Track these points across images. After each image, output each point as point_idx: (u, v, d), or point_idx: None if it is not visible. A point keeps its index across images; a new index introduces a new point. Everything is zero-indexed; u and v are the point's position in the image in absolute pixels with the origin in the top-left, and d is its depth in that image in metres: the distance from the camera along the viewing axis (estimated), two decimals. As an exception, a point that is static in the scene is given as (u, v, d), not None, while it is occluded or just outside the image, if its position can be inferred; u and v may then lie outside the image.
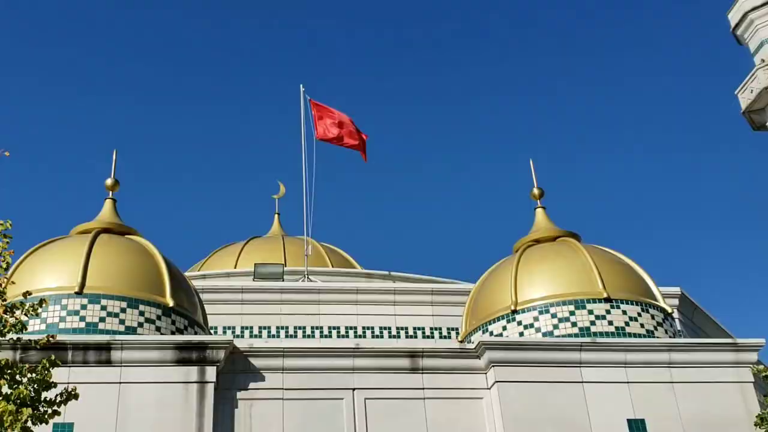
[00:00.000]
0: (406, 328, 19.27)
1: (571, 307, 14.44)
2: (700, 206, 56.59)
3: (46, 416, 7.83)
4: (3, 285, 8.36)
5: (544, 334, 14.07)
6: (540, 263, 15.14)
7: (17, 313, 8.24)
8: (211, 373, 12.38)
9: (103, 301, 13.21)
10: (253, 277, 19.28)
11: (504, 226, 53.01)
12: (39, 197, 55.09)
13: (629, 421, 12.80)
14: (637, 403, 12.99)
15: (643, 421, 12.84)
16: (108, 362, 12.21)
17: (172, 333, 13.49)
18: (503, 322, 14.61)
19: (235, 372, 12.67)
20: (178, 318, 13.85)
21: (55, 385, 8.16)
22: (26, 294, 8.66)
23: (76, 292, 13.07)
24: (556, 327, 14.14)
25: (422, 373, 13.05)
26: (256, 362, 12.81)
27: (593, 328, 14.04)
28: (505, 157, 57.28)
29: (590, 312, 14.27)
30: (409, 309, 19.37)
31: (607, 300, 14.41)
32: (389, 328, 19.18)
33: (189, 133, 59.25)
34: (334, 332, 18.89)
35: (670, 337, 14.64)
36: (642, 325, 14.39)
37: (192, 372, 12.37)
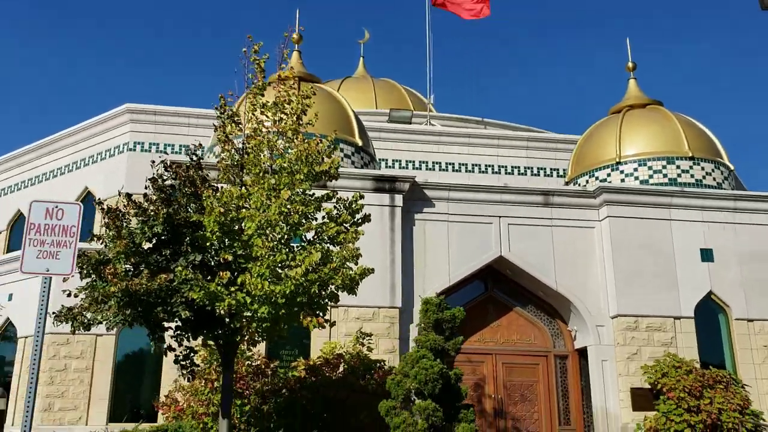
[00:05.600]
0: (505, 167, 23.52)
1: (664, 162, 18.43)
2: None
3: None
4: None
5: (642, 182, 18.26)
6: (639, 125, 18.98)
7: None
8: (399, 199, 16.62)
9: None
10: (388, 119, 23.16)
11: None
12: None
13: (701, 249, 17.26)
14: (707, 237, 17.37)
15: (711, 250, 17.28)
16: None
17: (361, 167, 17.61)
18: (608, 171, 18.74)
19: (414, 200, 16.91)
20: (363, 154, 17.93)
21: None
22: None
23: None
24: (651, 177, 18.30)
25: (551, 207, 17.35)
26: (429, 193, 17.05)
27: (679, 179, 18.21)
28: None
29: (678, 167, 18.34)
30: (508, 151, 23.62)
31: (691, 158, 18.42)
32: (492, 166, 23.41)
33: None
34: (449, 167, 23.14)
35: (732, 189, 18.80)
36: (714, 179, 18.55)
37: (385, 198, 16.60)
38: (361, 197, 11.31)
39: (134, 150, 21.53)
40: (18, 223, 24.17)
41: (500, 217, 17.15)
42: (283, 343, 15.29)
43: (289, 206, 10.08)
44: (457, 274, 16.68)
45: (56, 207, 6.72)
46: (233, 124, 11.20)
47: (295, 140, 11.08)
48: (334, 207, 10.91)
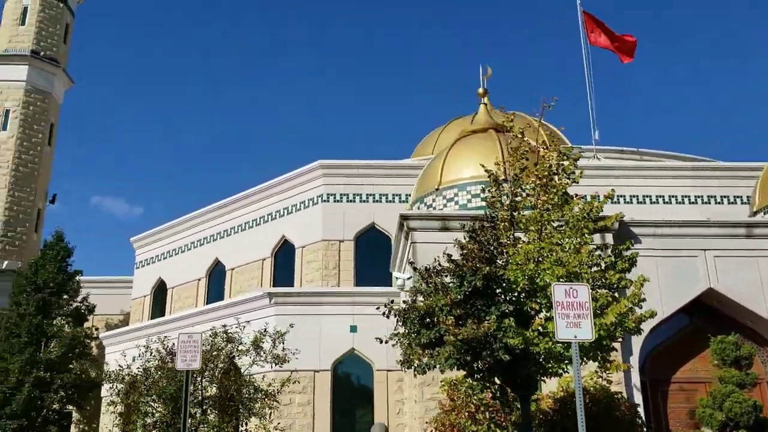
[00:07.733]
0: (676, 196, 24.05)
1: None
2: None
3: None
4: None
5: (840, 210, 18.71)
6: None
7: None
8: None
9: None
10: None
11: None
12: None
13: None
14: None
15: None
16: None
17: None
18: (803, 199, 19.27)
19: (622, 237, 17.81)
20: (563, 197, 18.99)
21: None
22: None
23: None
24: None
25: (755, 238, 17.99)
26: (636, 230, 17.96)
27: None
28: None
29: None
30: (672, 181, 24.10)
31: None
32: (663, 196, 24.04)
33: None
34: (621, 199, 23.88)
35: None
36: None
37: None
38: (632, 245, 12.50)
39: (328, 201, 23.23)
40: (216, 271, 26.20)
41: (705, 250, 17.88)
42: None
43: (584, 259, 11.29)
44: (669, 308, 17.47)
45: (571, 288, 8.19)
46: (498, 186, 12.65)
47: (555, 195, 12.41)
48: (609, 256, 12.06)
